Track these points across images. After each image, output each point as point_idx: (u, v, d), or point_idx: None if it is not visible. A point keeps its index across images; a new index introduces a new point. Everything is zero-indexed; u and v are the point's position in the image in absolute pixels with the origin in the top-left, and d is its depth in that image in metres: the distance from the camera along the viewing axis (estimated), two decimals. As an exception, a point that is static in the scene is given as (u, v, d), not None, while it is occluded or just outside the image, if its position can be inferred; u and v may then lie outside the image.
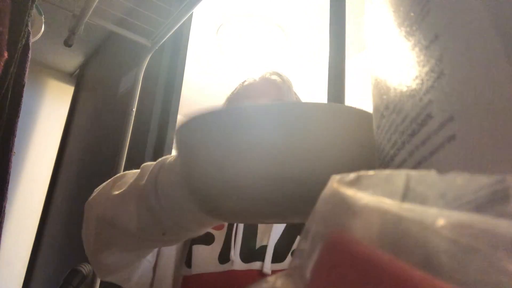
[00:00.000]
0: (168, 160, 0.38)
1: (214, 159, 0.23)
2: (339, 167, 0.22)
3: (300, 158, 0.22)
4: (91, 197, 0.46)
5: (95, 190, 0.48)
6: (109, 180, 0.46)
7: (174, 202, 0.35)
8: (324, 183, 0.17)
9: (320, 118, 0.23)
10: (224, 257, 0.60)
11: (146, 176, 0.37)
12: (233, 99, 0.74)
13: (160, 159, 0.39)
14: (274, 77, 0.74)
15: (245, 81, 0.76)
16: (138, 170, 0.42)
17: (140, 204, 0.37)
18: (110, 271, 0.49)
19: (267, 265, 0.56)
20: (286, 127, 0.22)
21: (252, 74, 0.79)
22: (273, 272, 0.56)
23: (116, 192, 0.40)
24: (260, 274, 0.56)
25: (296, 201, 0.23)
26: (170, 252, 0.64)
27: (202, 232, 0.42)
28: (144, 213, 0.37)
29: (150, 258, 0.61)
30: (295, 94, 0.76)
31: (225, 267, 0.58)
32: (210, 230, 0.65)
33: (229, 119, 0.23)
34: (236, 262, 0.58)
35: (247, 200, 0.23)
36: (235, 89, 0.76)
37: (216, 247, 0.62)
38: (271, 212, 0.25)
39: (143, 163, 0.41)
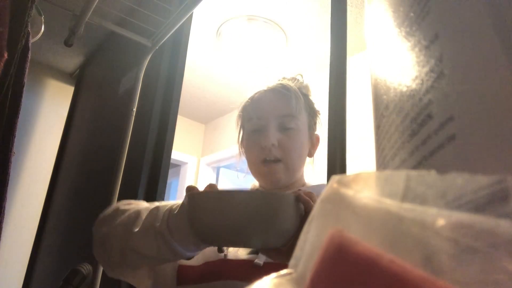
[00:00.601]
0: (173, 208, 0.55)
1: (210, 217, 0.47)
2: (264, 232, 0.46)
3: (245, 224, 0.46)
4: (111, 227, 0.59)
5: (103, 218, 0.62)
6: (122, 217, 0.59)
7: (181, 238, 0.52)
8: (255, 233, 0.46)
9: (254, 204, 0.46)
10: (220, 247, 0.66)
11: (160, 220, 0.54)
12: (244, 117, 0.77)
13: (162, 204, 0.59)
14: (282, 89, 0.75)
15: (255, 94, 0.78)
16: (146, 207, 0.59)
17: (158, 238, 0.53)
18: (122, 274, 0.63)
19: (261, 258, 0.61)
20: (238, 209, 0.45)
21: (261, 82, 0.80)
22: (266, 264, 0.61)
23: (137, 230, 0.55)
24: (253, 266, 0.61)
25: (243, 238, 0.47)
26: None
27: (198, 253, 0.62)
28: (161, 244, 0.53)
29: None
30: (310, 100, 0.79)
31: (220, 255, 0.65)
32: None
33: (215, 199, 0.47)
34: (231, 254, 0.65)
35: (226, 235, 0.47)
36: (246, 103, 0.78)
37: None
38: (235, 242, 0.49)
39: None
